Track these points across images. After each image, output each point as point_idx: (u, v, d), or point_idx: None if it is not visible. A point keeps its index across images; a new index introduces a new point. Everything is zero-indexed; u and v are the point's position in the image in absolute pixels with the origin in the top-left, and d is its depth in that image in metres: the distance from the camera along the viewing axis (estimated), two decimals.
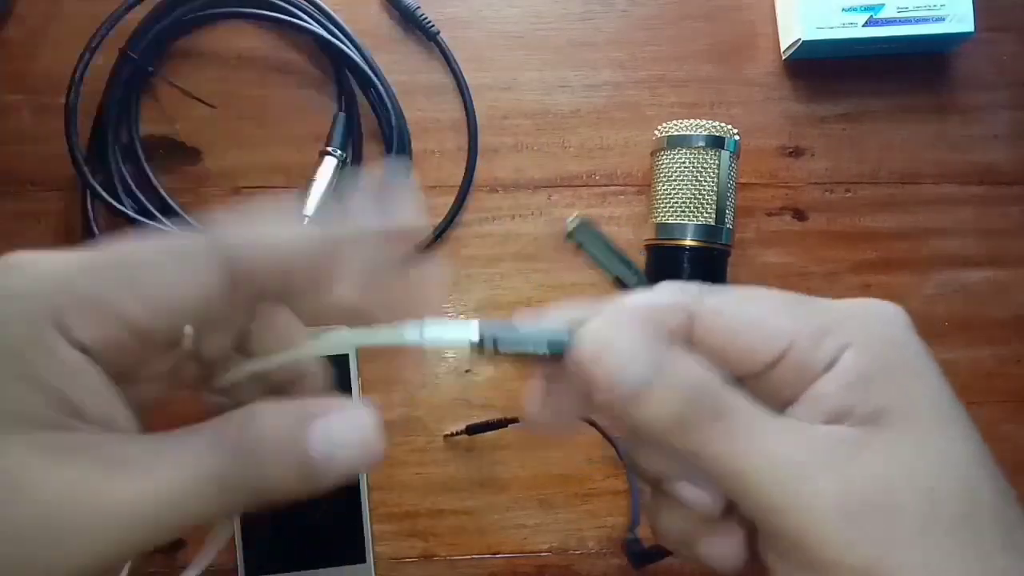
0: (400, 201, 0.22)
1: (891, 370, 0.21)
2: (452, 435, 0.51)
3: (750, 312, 0.21)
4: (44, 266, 0.18)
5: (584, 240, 0.25)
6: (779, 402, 0.21)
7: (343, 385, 0.50)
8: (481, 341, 0.23)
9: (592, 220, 0.27)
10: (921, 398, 0.21)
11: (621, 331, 0.20)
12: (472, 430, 0.50)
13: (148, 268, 0.19)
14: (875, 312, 0.22)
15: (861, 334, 0.21)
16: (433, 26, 0.52)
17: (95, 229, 0.49)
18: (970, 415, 0.22)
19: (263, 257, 0.20)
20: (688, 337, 0.21)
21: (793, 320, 0.21)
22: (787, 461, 0.19)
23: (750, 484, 0.19)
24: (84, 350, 0.18)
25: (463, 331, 0.22)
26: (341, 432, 0.20)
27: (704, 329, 0.21)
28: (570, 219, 0.26)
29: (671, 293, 0.22)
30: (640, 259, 0.52)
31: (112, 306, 0.18)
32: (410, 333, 0.22)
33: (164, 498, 0.18)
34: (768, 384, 0.21)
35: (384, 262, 0.22)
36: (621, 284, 0.23)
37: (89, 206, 0.49)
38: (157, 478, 0.18)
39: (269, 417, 0.20)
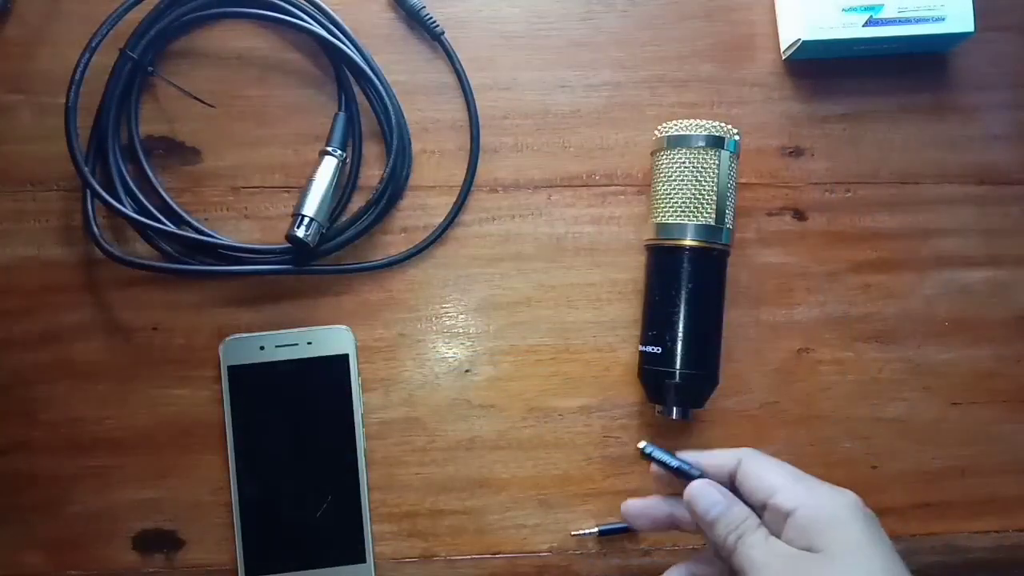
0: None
1: (823, 524, 0.36)
2: (581, 534, 0.52)
3: (763, 470, 0.39)
4: None
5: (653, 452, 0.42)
6: (777, 530, 0.37)
7: (343, 385, 0.50)
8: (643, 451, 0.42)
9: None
10: (841, 541, 0.35)
11: (711, 489, 0.39)
12: (604, 532, 0.52)
13: None
14: (829, 492, 0.38)
15: (811, 501, 0.37)
16: (438, 26, 0.52)
17: (95, 229, 0.49)
18: (886, 552, 0.36)
19: None
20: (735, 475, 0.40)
21: (783, 482, 0.38)
22: (760, 562, 0.36)
23: (744, 572, 0.36)
24: None
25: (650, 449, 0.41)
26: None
27: (742, 472, 0.39)
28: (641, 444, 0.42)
29: (737, 452, 0.41)
30: (641, 259, 0.52)
31: None
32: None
33: None
34: (770, 516, 0.38)
35: None
36: (685, 475, 0.41)
37: (89, 206, 0.49)
38: None
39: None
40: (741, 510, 0.38)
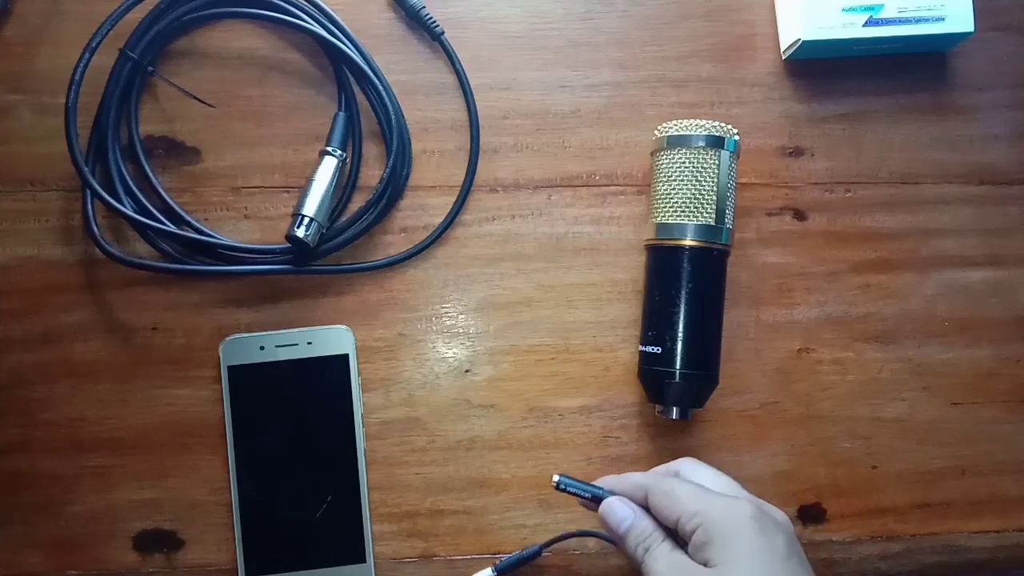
0: None
1: (718, 541, 0.38)
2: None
3: (667, 498, 0.41)
4: None
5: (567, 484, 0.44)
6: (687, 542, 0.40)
7: (343, 385, 0.50)
8: (558, 485, 0.43)
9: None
10: (733, 554, 0.37)
11: (622, 505, 0.42)
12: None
13: None
14: (725, 508, 0.39)
15: (708, 521, 0.38)
16: (438, 26, 0.52)
17: (95, 229, 0.49)
18: (784, 560, 0.38)
19: None
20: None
21: (684, 505, 0.40)
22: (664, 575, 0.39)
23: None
24: None
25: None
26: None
27: (650, 500, 0.42)
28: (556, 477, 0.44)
29: (647, 477, 0.43)
30: (641, 259, 0.52)
31: None
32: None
33: None
34: (680, 534, 0.40)
35: None
36: (599, 499, 0.43)
37: (89, 206, 0.49)
38: None
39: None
40: (647, 524, 0.41)
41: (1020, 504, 0.54)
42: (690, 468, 0.44)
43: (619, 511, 0.42)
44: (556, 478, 0.43)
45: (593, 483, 0.44)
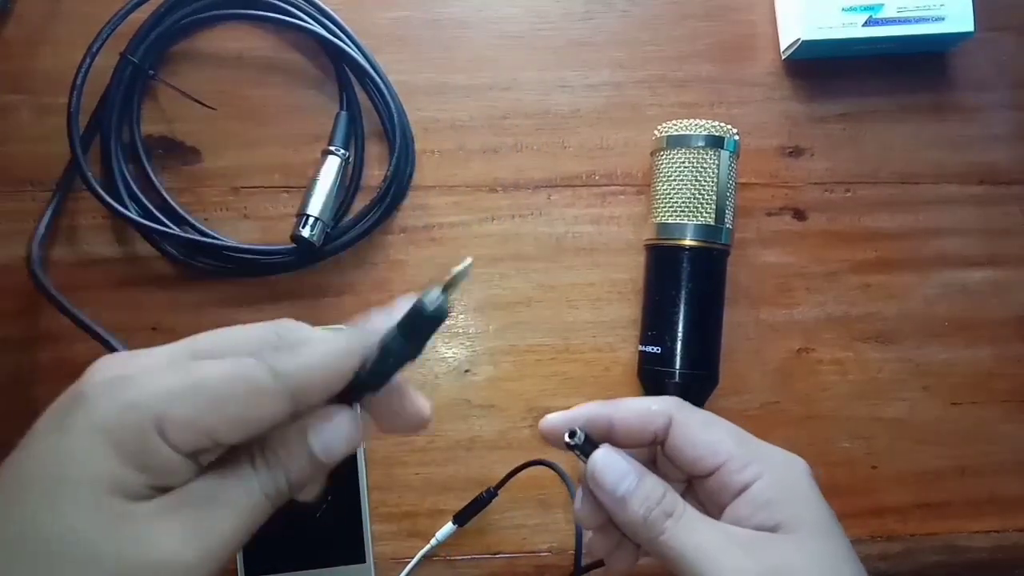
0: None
1: (786, 498, 0.30)
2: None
3: (708, 432, 0.32)
4: (151, 384, 0.23)
5: None
6: (718, 505, 0.31)
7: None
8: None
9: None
10: (806, 517, 0.30)
11: (616, 459, 0.31)
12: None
13: (233, 400, 0.24)
14: (785, 459, 0.32)
15: (771, 471, 0.31)
16: None
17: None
18: (840, 526, 0.31)
19: (319, 385, 0.25)
20: (663, 438, 0.32)
21: (733, 447, 0.31)
22: (713, 548, 0.29)
23: (687, 562, 0.29)
24: (179, 452, 0.23)
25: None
26: (331, 436, 0.26)
27: (677, 434, 0.32)
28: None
29: (663, 402, 0.33)
30: (641, 259, 0.52)
31: (203, 425, 0.23)
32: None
33: (234, 521, 0.25)
34: (710, 489, 0.32)
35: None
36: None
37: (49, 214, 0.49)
38: (228, 506, 0.24)
39: (280, 438, 0.26)
40: (657, 483, 0.31)
41: (1020, 504, 0.54)
42: (685, 415, 0.32)
43: (614, 466, 0.31)
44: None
45: (576, 411, 0.33)
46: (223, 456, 0.25)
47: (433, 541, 0.50)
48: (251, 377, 0.24)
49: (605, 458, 0.31)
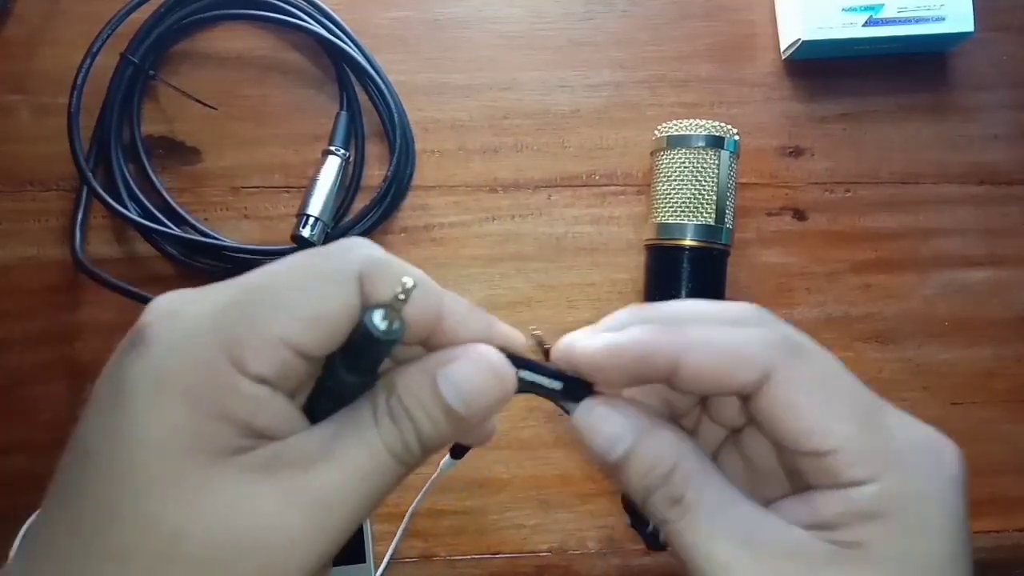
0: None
1: (902, 517, 0.20)
2: None
3: (823, 406, 0.22)
4: (199, 309, 0.19)
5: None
6: (799, 480, 0.22)
7: None
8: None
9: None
10: (918, 551, 0.20)
11: (612, 411, 0.23)
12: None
13: (297, 292, 0.19)
14: (928, 463, 0.21)
15: (898, 474, 0.21)
16: None
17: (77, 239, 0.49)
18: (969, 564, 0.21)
19: (389, 275, 0.20)
20: (751, 393, 0.22)
21: (854, 433, 0.21)
22: (729, 563, 0.20)
23: (696, 570, 0.21)
24: (263, 381, 0.19)
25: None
26: (465, 378, 0.21)
27: (775, 398, 0.21)
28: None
29: (764, 344, 0.22)
30: (641, 259, 0.52)
31: (277, 334, 0.19)
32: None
33: (350, 484, 0.20)
34: (794, 459, 0.22)
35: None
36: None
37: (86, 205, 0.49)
38: (342, 465, 0.20)
39: (404, 380, 0.21)
40: (661, 449, 0.22)
41: (1020, 504, 0.54)
42: (793, 357, 0.23)
43: (607, 424, 0.22)
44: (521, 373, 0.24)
45: (617, 340, 0.22)
46: (338, 414, 0.21)
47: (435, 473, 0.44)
48: (309, 264, 0.20)
49: (591, 414, 0.23)
